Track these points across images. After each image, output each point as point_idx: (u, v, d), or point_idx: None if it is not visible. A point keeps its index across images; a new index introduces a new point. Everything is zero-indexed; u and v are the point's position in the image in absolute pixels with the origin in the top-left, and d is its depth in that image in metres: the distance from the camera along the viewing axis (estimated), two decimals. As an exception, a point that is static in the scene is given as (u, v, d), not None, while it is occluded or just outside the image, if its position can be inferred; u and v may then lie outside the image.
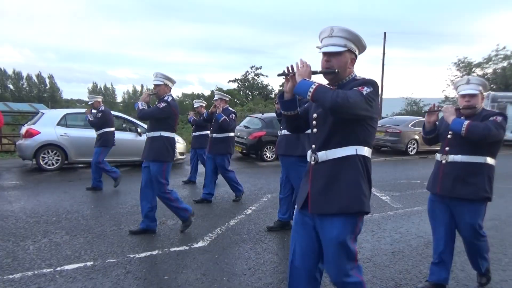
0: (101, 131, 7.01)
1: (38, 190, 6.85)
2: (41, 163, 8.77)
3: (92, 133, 8.88)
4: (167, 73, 4.44)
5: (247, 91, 40.24)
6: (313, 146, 2.20)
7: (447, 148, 3.08)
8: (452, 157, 3.02)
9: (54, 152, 8.88)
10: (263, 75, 39.71)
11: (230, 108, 6.34)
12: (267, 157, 11.42)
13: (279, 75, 2.19)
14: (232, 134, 6.25)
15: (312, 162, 2.17)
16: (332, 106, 1.93)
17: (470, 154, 2.96)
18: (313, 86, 1.99)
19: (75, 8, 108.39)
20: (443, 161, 3.08)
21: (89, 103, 7.41)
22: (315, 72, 2.14)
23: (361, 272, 2.17)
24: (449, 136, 3.07)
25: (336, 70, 2.12)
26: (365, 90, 1.99)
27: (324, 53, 2.15)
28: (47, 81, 63.87)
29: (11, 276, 3.27)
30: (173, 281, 3.26)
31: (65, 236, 4.35)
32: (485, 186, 2.95)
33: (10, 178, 7.99)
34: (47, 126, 8.92)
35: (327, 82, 2.22)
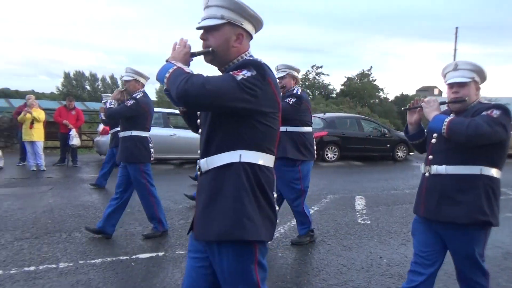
0: (114, 130, 6.78)
1: (113, 183, 7.37)
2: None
3: (161, 131, 9.45)
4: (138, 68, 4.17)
5: (308, 90, 39.93)
6: (199, 151, 1.74)
7: (430, 157, 2.33)
8: (436, 168, 2.28)
9: (127, 148, 9.51)
10: (324, 74, 39.11)
11: None
12: (328, 157, 11.27)
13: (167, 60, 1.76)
14: None
15: (199, 172, 1.71)
16: (178, 95, 1.47)
17: (459, 163, 2.19)
18: (170, 70, 1.56)
19: (144, 13, 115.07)
20: (426, 174, 2.34)
21: (102, 101, 7.29)
22: (193, 54, 1.71)
23: None
24: (433, 140, 2.33)
25: (210, 49, 1.65)
26: (243, 74, 1.52)
27: (202, 29, 1.69)
28: (119, 82, 68.45)
29: (92, 261, 3.58)
30: (239, 276, 3.36)
31: (138, 227, 4.66)
32: (481, 205, 2.15)
33: (89, 172, 8.71)
34: (121, 124, 9.60)
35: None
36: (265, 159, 1.62)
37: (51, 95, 55.47)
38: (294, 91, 3.91)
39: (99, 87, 66.47)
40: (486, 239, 2.26)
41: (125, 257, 3.69)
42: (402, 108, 2.74)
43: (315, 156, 4.03)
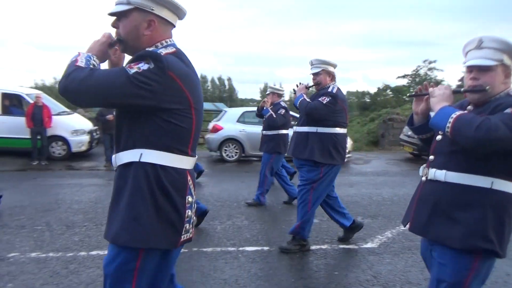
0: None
1: (222, 178, 7.86)
2: (223, 155, 10.03)
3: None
4: None
5: (418, 87, 37.07)
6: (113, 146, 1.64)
7: (431, 157, 1.87)
8: (433, 173, 1.79)
9: (234, 145, 10.03)
10: (437, 69, 35.85)
11: (282, 103, 5.77)
12: (442, 159, 10.32)
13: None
14: (284, 131, 5.62)
15: (114, 169, 1.63)
16: (59, 91, 1.42)
17: (464, 170, 1.70)
18: (69, 62, 1.48)
19: (249, 15, 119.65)
20: (423, 178, 1.88)
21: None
22: (109, 45, 1.60)
23: None
24: (438, 137, 1.87)
25: (117, 38, 1.58)
26: (138, 67, 1.40)
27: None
28: (226, 83, 72.46)
29: (204, 249, 3.85)
30: (344, 278, 3.28)
31: (245, 221, 4.87)
32: (485, 228, 1.65)
33: (200, 166, 9.39)
34: (229, 122, 10.15)
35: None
36: (171, 160, 1.50)
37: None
38: (329, 89, 3.63)
39: (208, 88, 71.27)
40: (484, 273, 1.73)
41: (232, 248, 3.89)
42: (408, 94, 2.18)
43: (345, 160, 3.72)
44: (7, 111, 9.51)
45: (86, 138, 9.81)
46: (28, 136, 8.82)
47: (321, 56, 3.75)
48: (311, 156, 3.61)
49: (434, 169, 1.79)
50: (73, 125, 9.82)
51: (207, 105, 38.37)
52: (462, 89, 1.83)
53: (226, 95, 69.99)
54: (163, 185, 1.48)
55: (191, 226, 1.60)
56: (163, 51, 1.49)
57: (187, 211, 1.55)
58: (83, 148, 9.76)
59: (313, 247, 3.96)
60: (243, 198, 6.12)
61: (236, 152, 10.04)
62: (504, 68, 1.71)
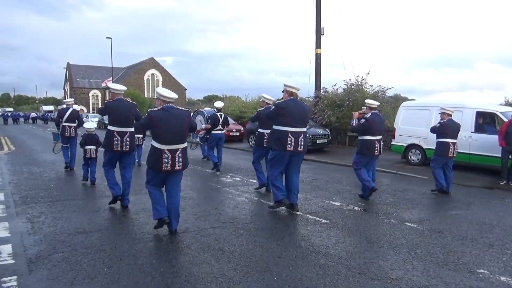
0: None
1: None
2: None
3: None
4: None
5: None
6: None
7: None
8: None
9: None
10: None
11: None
12: None
13: None
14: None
15: None
16: None
17: None
18: None
19: None
20: None
21: None
22: None
23: None
24: None
25: None
26: None
27: None
28: None
29: None
30: None
31: None
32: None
33: None
34: None
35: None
36: None
37: None
38: (277, 102, 5.90)
39: None
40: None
41: None
42: None
43: (288, 149, 5.53)
44: (481, 129, 9.81)
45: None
46: (498, 155, 8.69)
47: (285, 81, 5.92)
48: (267, 143, 6.27)
49: None
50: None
51: None
52: None
53: None
54: None
55: None
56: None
57: None
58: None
59: None
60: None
61: None
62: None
